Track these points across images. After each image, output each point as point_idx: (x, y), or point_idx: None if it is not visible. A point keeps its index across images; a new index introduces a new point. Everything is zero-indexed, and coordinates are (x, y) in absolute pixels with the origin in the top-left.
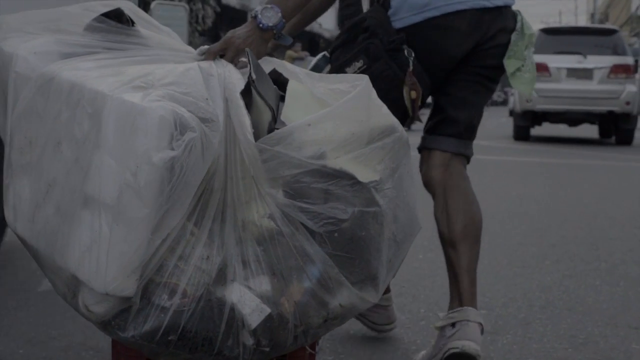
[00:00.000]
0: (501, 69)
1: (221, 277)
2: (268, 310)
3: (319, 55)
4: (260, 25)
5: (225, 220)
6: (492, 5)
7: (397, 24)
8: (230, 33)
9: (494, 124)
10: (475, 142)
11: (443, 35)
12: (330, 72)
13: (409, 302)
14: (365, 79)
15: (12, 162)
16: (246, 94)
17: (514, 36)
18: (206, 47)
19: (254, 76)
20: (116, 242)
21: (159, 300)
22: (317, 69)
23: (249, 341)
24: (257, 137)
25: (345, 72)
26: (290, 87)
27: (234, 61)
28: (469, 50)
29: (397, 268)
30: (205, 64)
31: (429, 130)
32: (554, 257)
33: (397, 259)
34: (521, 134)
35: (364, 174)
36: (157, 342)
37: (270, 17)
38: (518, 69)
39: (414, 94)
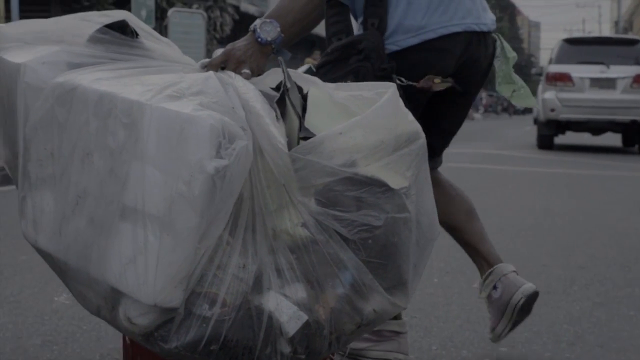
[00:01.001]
0: (476, 93)
1: (257, 285)
2: (305, 317)
3: (304, 67)
4: (259, 39)
5: (255, 229)
6: (479, 29)
7: (393, 47)
8: (229, 46)
9: (518, 132)
10: (497, 151)
11: (438, 57)
12: None
13: (419, 337)
14: (392, 87)
15: (29, 175)
16: (280, 103)
17: (496, 62)
18: (207, 60)
19: (288, 85)
20: (165, 252)
21: (200, 311)
22: None
23: (286, 349)
24: (288, 146)
25: None
26: (311, 94)
27: (236, 72)
28: (454, 73)
29: (421, 273)
30: (218, 74)
31: None
32: (583, 282)
33: (421, 264)
34: (545, 142)
35: (394, 181)
36: (199, 352)
37: (269, 31)
38: (514, 90)
39: (438, 82)
